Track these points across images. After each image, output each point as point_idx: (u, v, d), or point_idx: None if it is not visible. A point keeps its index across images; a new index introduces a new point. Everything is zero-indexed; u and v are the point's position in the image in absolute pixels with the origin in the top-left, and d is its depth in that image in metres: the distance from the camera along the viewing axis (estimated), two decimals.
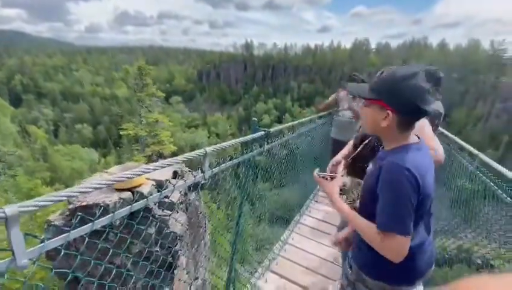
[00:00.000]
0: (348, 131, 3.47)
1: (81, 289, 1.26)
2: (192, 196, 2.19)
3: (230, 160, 1.63)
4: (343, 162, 1.28)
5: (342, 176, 1.37)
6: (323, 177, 1.26)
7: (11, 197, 20.82)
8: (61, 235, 0.78)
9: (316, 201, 4.38)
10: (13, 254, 0.64)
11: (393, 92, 0.98)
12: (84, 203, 1.32)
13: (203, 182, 1.57)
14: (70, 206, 1.39)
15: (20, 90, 73.71)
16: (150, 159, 11.71)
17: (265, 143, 1.98)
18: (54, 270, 0.84)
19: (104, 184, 0.94)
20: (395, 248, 0.95)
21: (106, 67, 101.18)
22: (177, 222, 2.03)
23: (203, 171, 1.33)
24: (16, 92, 72.70)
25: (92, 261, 1.03)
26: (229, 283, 2.35)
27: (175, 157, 1.18)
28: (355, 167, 1.67)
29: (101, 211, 1.21)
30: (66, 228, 0.80)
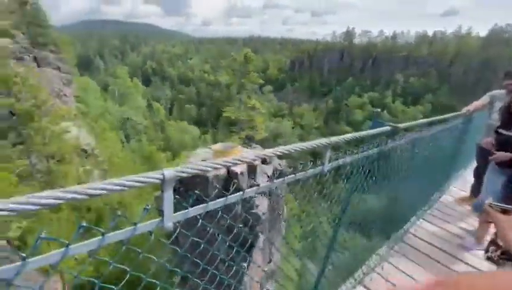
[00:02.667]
0: None
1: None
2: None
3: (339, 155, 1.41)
4: None
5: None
6: (497, 209, 1.03)
7: (137, 157, 26.76)
8: (201, 205, 0.80)
9: (425, 219, 3.63)
10: (162, 215, 0.68)
11: None
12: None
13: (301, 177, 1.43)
14: None
15: (150, 74, 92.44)
16: (243, 142, 12.68)
17: (386, 141, 1.65)
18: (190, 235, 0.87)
19: (230, 163, 0.93)
20: None
21: (213, 56, 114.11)
22: (261, 204, 1.95)
23: (322, 163, 1.18)
24: (147, 74, 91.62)
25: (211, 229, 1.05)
26: (318, 283, 2.19)
27: (295, 145, 1.06)
28: None
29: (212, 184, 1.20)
30: (206, 199, 0.82)
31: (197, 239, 1.11)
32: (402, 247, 3.00)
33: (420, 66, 78.20)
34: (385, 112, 61.09)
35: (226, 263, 1.46)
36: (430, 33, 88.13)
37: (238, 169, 4.22)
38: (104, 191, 0.55)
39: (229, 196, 0.87)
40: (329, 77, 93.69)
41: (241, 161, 0.85)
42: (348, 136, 1.26)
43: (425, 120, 2.39)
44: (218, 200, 0.85)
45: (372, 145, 1.61)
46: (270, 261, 8.09)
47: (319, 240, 2.14)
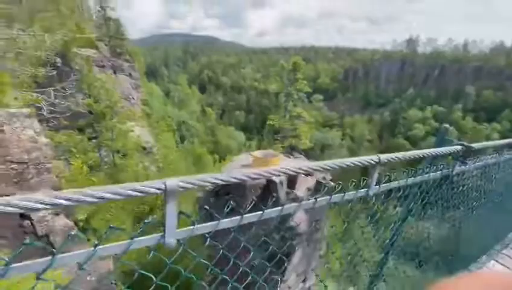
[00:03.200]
0: None
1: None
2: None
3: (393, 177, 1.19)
4: None
5: None
6: None
7: (188, 158, 28.66)
8: (211, 223, 0.72)
9: (498, 262, 2.96)
10: (164, 229, 0.63)
11: None
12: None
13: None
14: None
15: (206, 82, 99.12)
16: (285, 150, 12.61)
17: (454, 164, 1.36)
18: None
19: (255, 176, 0.84)
20: None
21: (265, 65, 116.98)
22: (298, 218, 1.82)
23: (367, 186, 1.00)
24: (203, 82, 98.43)
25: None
26: None
27: (335, 161, 0.92)
28: None
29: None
30: (216, 216, 0.75)
31: (217, 252, 1.05)
32: None
33: (496, 78, 67.25)
34: (452, 128, 53.91)
35: (252, 274, 1.37)
36: (508, 43, 75.37)
37: (277, 178, 4.11)
38: (101, 200, 0.53)
39: (245, 215, 0.77)
40: (386, 87, 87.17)
41: (259, 175, 0.75)
42: (404, 154, 1.05)
43: (506, 141, 1.95)
44: (232, 218, 0.76)
45: (435, 167, 1.34)
46: (305, 280, 7.64)
47: (364, 266, 1.90)
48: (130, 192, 0.55)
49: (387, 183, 1.05)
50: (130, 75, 22.62)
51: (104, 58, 19.20)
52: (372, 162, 0.93)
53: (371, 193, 0.99)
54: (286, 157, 5.99)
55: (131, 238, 0.59)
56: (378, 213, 1.32)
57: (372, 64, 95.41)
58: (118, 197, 0.55)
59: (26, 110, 8.29)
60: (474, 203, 1.92)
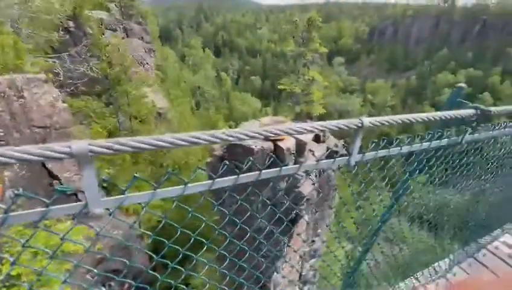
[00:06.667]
0: None
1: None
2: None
3: (389, 144, 1.05)
4: None
5: None
6: None
7: (203, 123, 28.99)
8: (143, 192, 0.65)
9: None
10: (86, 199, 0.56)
11: None
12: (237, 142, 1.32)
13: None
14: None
15: (221, 44, 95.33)
16: (298, 117, 12.21)
17: (467, 131, 1.17)
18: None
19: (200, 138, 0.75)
20: None
21: (282, 25, 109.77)
22: (306, 184, 1.78)
23: (349, 153, 0.87)
24: (218, 45, 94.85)
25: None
26: (353, 273, 1.96)
27: (322, 123, 0.80)
28: None
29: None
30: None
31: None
32: (487, 255, 2.39)
33: None
34: (486, 93, 49.69)
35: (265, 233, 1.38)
36: None
37: (284, 144, 4.02)
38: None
39: (241, 175, 0.70)
40: (416, 48, 79.76)
41: (212, 137, 0.65)
42: (394, 117, 0.89)
43: None
44: (174, 187, 0.69)
45: (440, 134, 1.17)
46: (313, 242, 7.96)
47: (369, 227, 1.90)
48: (36, 158, 0.47)
49: (373, 152, 0.91)
50: (142, 38, 22.13)
51: (116, 21, 18.74)
52: (354, 126, 0.79)
53: (352, 161, 0.86)
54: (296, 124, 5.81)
55: (47, 206, 0.53)
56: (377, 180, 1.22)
57: (403, 21, 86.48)
58: (12, 161, 0.48)
59: (43, 76, 8.48)
60: (488, 177, 1.74)
